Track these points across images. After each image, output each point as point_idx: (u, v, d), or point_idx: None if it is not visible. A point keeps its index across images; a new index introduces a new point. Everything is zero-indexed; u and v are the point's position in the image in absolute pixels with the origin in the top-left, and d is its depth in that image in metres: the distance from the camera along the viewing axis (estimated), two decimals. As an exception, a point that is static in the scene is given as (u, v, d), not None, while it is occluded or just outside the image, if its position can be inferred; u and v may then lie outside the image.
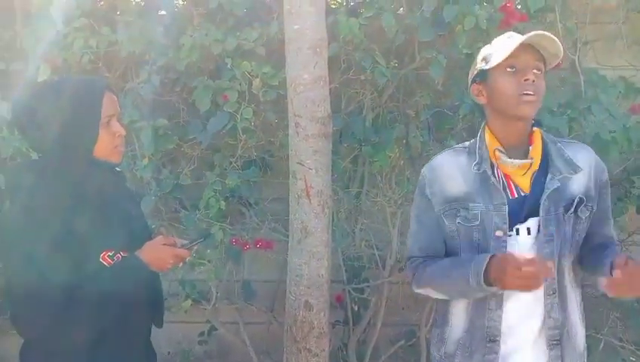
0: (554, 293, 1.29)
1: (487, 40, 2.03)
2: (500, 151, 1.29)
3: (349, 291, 2.47)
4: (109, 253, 1.26)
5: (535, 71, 1.25)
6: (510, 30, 2.10)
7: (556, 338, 1.29)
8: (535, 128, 1.33)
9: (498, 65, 1.26)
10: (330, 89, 1.88)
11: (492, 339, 1.29)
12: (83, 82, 1.31)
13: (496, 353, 1.30)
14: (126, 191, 1.45)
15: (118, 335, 1.27)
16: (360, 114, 2.30)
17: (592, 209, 1.31)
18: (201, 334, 2.67)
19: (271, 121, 2.21)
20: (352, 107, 2.31)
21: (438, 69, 2.06)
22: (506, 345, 1.30)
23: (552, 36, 1.24)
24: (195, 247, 1.45)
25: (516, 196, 1.29)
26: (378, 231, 2.38)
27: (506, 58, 1.24)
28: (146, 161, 2.23)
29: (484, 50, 1.35)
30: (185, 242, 1.38)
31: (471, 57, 2.08)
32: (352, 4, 2.18)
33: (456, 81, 2.18)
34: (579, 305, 1.35)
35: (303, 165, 1.82)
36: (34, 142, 1.30)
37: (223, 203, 2.17)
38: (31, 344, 1.28)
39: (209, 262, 2.20)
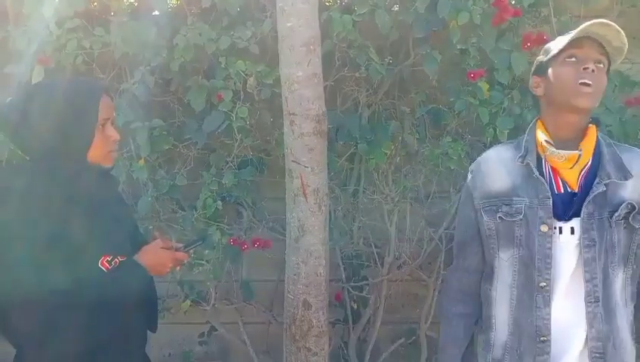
0: (596, 302, 1.22)
1: (481, 35, 2.06)
2: (549, 142, 1.27)
3: (347, 289, 2.47)
4: (108, 258, 1.24)
5: (597, 64, 1.22)
6: (504, 25, 2.12)
7: (599, 351, 1.23)
8: (591, 125, 1.28)
9: (559, 54, 1.25)
10: (324, 87, 1.87)
11: (542, 339, 1.24)
12: (81, 84, 1.29)
13: (548, 353, 1.24)
14: (118, 196, 1.44)
15: (117, 342, 1.25)
16: (355, 111, 2.29)
17: None
18: (202, 335, 2.67)
19: (266, 120, 2.20)
20: (348, 105, 2.31)
21: (432, 64, 2.05)
22: (556, 346, 1.24)
23: (614, 26, 1.20)
24: (192, 250, 1.45)
25: (562, 191, 1.25)
26: (376, 229, 2.37)
27: (567, 48, 1.23)
28: (142, 163, 2.23)
29: (548, 44, 1.33)
30: (180, 245, 1.38)
31: (465, 53, 2.09)
32: (345, 0, 2.17)
33: (451, 76, 2.17)
34: (629, 321, 1.28)
35: (299, 163, 1.82)
36: (25, 145, 1.26)
37: (219, 203, 2.17)
38: (23, 353, 1.23)
39: (207, 262, 2.19)
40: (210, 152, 2.30)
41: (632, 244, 1.23)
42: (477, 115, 2.07)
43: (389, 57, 2.21)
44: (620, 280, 1.25)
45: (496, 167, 1.33)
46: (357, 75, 2.14)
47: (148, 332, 1.44)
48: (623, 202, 1.21)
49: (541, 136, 1.29)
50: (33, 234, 1.14)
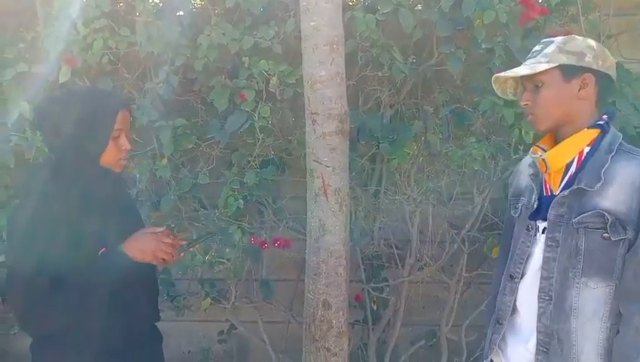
0: (549, 299, 1.26)
1: (507, 34, 2.03)
2: (540, 147, 1.36)
3: (368, 290, 2.45)
4: (103, 251, 1.34)
5: (530, 93, 1.30)
6: (531, 24, 2.08)
7: (545, 347, 1.26)
8: (587, 129, 1.27)
9: None
10: (347, 86, 1.86)
11: (500, 323, 1.39)
12: (103, 97, 1.44)
13: (498, 333, 1.39)
14: (126, 196, 1.56)
15: (121, 324, 1.34)
16: (378, 111, 2.28)
17: (629, 235, 1.18)
18: (221, 333, 2.68)
19: (288, 120, 2.20)
20: (370, 104, 2.29)
21: (456, 64, 2.03)
22: (515, 333, 1.36)
23: (501, 76, 1.33)
24: (197, 246, 1.49)
25: (549, 194, 1.31)
26: (397, 230, 2.36)
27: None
28: (165, 161, 2.25)
29: None
30: (184, 243, 1.45)
31: (491, 52, 2.06)
32: (369, 0, 2.16)
33: (476, 76, 2.15)
34: (600, 339, 1.22)
35: (320, 163, 1.81)
36: (50, 144, 1.40)
37: (241, 202, 2.18)
38: (41, 340, 1.35)
39: (228, 261, 2.20)
40: (232, 151, 2.31)
41: (617, 258, 1.19)
42: (502, 116, 2.04)
43: (412, 57, 2.19)
44: (593, 291, 1.22)
45: (523, 169, 1.45)
46: (380, 74, 2.13)
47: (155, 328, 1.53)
48: (595, 208, 1.20)
49: (544, 143, 1.37)
50: (48, 227, 1.26)
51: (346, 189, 1.87)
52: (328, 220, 1.83)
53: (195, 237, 1.48)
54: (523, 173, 1.43)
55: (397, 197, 2.25)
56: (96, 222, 1.32)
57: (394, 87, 2.25)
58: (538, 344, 1.28)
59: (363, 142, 2.23)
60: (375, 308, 2.50)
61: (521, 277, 1.34)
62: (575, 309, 1.23)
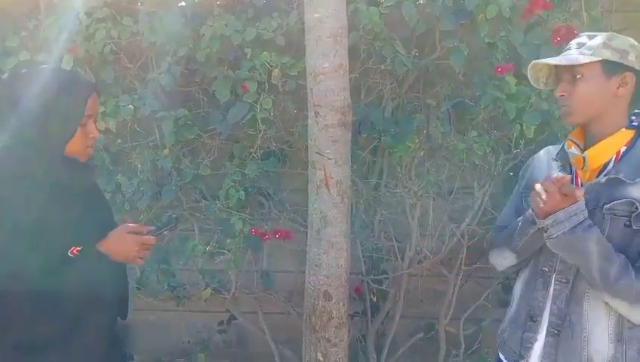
0: (566, 282, 1.28)
1: (510, 29, 2.03)
2: (573, 141, 1.34)
3: (367, 283, 2.47)
4: (78, 248, 1.25)
5: (567, 82, 1.28)
6: (533, 19, 2.08)
7: (556, 328, 1.28)
8: (625, 130, 1.29)
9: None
10: (349, 79, 1.87)
11: (533, 319, 1.33)
12: (73, 78, 1.30)
13: (535, 332, 1.33)
14: (94, 187, 1.43)
15: (82, 325, 1.26)
16: (379, 104, 2.28)
17: None
18: (221, 323, 2.70)
19: (290, 112, 2.20)
20: (372, 97, 2.29)
21: (459, 58, 2.03)
22: (543, 325, 1.32)
23: (539, 63, 1.32)
24: (165, 232, 1.42)
25: (582, 186, 1.30)
26: (397, 223, 2.37)
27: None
28: (166, 152, 2.26)
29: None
30: (152, 228, 1.36)
31: (493, 46, 2.06)
32: (372, -8, 2.15)
33: (478, 70, 2.15)
34: (610, 323, 1.24)
35: (323, 155, 1.82)
36: (8, 130, 1.25)
37: (242, 193, 2.19)
38: None
39: (229, 251, 2.21)
40: (233, 143, 2.32)
41: (633, 245, 1.22)
42: (503, 110, 2.04)
43: (414, 50, 2.19)
44: None
45: (543, 161, 1.43)
46: (382, 67, 2.13)
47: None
48: (624, 197, 1.21)
49: (575, 136, 1.35)
50: (8, 222, 1.15)
51: (348, 181, 1.87)
52: (330, 212, 1.84)
53: (161, 225, 1.41)
54: (541, 166, 1.41)
55: (398, 191, 2.26)
56: (65, 218, 1.22)
57: (396, 81, 2.25)
58: (549, 325, 1.29)
59: (364, 135, 2.23)
60: (374, 300, 2.52)
61: (554, 272, 1.32)
62: (587, 292, 1.25)
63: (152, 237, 1.32)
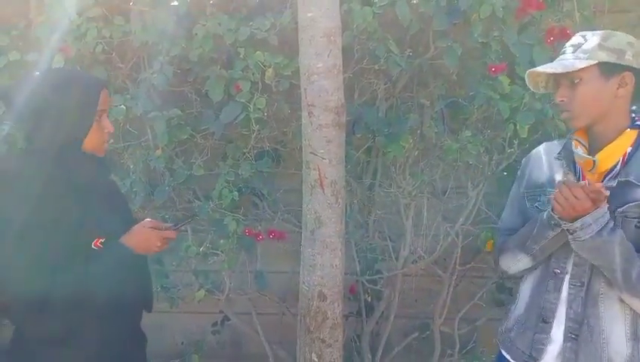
0: (581, 285, 1.27)
1: (503, 29, 2.03)
2: (578, 140, 1.32)
3: (362, 283, 2.46)
4: (101, 240, 1.29)
5: (566, 88, 1.28)
6: (527, 19, 2.08)
7: (574, 333, 1.27)
8: (630, 130, 1.28)
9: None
10: (343, 79, 1.86)
11: (545, 320, 1.33)
12: (83, 75, 1.37)
13: (547, 334, 1.32)
14: (111, 183, 1.50)
15: (108, 319, 1.29)
16: (373, 104, 2.28)
17: None
18: (214, 324, 2.69)
19: (284, 112, 2.19)
20: (366, 97, 2.29)
21: (453, 58, 2.03)
22: (558, 329, 1.31)
23: (541, 70, 1.31)
24: (183, 228, 1.48)
25: None
26: (392, 223, 2.36)
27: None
28: (159, 152, 2.24)
29: None
30: (170, 224, 1.41)
31: (487, 46, 2.06)
32: (366, -8, 2.15)
33: (472, 70, 2.15)
34: (626, 321, 1.26)
35: (317, 155, 1.81)
36: (28, 131, 1.32)
37: (236, 193, 2.17)
38: (22, 330, 1.30)
39: (222, 252, 2.20)
40: (227, 143, 2.30)
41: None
42: (497, 110, 2.04)
43: (408, 50, 2.18)
44: None
45: (543, 160, 1.41)
46: (376, 67, 2.12)
47: (145, 325, 1.49)
48: (637, 201, 1.22)
49: (579, 136, 1.34)
50: (33, 218, 1.20)
51: (342, 181, 1.87)
52: (324, 212, 1.83)
53: (180, 220, 1.46)
54: (541, 165, 1.40)
55: (392, 191, 2.26)
56: (85, 212, 1.26)
57: (390, 80, 2.24)
58: (567, 330, 1.28)
59: (358, 135, 2.22)
60: (369, 300, 2.52)
61: (566, 273, 1.32)
62: (602, 294, 1.26)
63: (173, 232, 1.37)
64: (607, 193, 1.21)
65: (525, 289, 1.42)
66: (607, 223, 1.20)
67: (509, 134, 2.07)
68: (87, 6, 2.10)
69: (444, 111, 2.22)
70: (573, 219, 1.21)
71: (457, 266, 2.35)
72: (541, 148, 1.46)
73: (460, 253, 2.31)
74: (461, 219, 2.26)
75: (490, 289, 2.48)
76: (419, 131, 2.22)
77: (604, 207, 1.21)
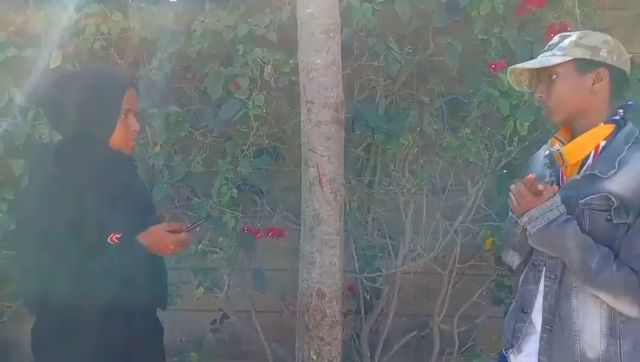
0: (554, 278, 1.30)
1: (503, 25, 2.03)
2: (557, 138, 1.36)
3: (361, 280, 2.46)
4: (117, 236, 1.32)
5: (545, 84, 1.31)
6: (527, 16, 2.08)
7: (549, 324, 1.30)
8: (604, 124, 1.29)
9: None
10: (342, 75, 1.85)
11: (524, 310, 1.37)
12: (110, 75, 1.41)
13: (524, 322, 1.37)
14: (139, 180, 1.52)
15: (125, 312, 1.33)
16: (373, 101, 2.27)
17: (630, 219, 1.21)
18: (214, 322, 2.68)
19: (283, 109, 2.19)
20: (365, 94, 2.28)
21: (453, 55, 2.03)
22: (537, 320, 1.34)
23: (519, 67, 1.34)
24: (197, 229, 1.50)
25: (564, 182, 1.34)
26: (391, 221, 2.36)
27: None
28: (157, 149, 2.23)
29: None
30: (184, 226, 1.44)
31: (487, 43, 2.06)
32: (365, -11, 2.14)
33: (471, 67, 2.14)
34: (602, 316, 1.25)
35: (315, 152, 1.80)
36: (57, 127, 1.38)
37: (234, 191, 2.17)
38: (41, 321, 1.35)
39: (221, 250, 2.20)
40: (225, 140, 2.30)
41: (616, 239, 1.23)
42: (497, 107, 2.04)
43: (408, 47, 2.18)
44: None
45: (538, 158, 1.45)
46: (375, 64, 2.12)
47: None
48: (601, 192, 1.23)
49: (561, 134, 1.38)
50: (56, 210, 1.25)
51: (341, 179, 1.86)
52: (323, 209, 1.83)
53: (194, 221, 1.48)
54: (538, 164, 1.44)
55: (391, 188, 2.25)
56: (110, 207, 1.30)
57: (389, 77, 2.24)
58: (543, 322, 1.32)
59: (358, 132, 2.22)
60: (368, 297, 2.51)
61: (543, 266, 1.34)
62: (575, 287, 1.27)
63: (188, 234, 1.40)
64: (548, 186, 1.25)
65: (519, 282, 1.48)
66: (557, 217, 1.24)
67: (508, 131, 2.07)
68: (86, 2, 2.10)
69: (443, 109, 2.22)
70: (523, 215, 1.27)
71: (457, 264, 2.34)
72: (542, 149, 1.49)
73: (460, 250, 2.31)
74: (460, 217, 2.26)
75: (490, 287, 2.47)
76: (418, 128, 2.21)
77: (554, 200, 1.24)
